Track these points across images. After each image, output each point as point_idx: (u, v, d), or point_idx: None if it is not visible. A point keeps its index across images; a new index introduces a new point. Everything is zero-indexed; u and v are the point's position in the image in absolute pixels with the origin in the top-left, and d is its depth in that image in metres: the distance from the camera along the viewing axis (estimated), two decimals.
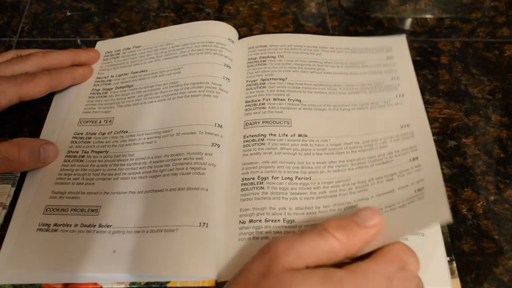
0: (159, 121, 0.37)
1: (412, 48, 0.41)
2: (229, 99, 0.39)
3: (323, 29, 0.48)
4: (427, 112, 0.35)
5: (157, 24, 0.49)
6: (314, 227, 0.26)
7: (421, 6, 0.51)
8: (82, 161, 0.36)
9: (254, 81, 0.40)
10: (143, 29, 0.48)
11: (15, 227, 0.32)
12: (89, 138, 0.37)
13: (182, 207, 0.32)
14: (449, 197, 0.36)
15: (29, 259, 0.31)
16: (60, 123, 0.38)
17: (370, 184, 0.33)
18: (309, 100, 0.38)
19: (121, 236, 0.31)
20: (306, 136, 0.36)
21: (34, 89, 0.36)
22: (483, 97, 0.43)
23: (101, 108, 0.39)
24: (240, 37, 0.44)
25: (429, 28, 0.49)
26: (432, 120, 0.41)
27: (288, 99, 0.38)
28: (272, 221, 0.32)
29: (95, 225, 0.32)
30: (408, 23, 0.49)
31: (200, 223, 0.31)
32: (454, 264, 0.32)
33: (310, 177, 0.34)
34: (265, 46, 0.43)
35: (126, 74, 0.42)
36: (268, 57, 0.42)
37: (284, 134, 0.36)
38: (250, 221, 0.32)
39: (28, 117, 0.40)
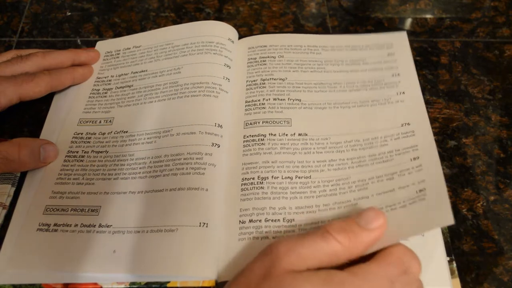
0: (159, 121, 0.37)
1: (412, 48, 0.41)
2: (229, 99, 0.39)
3: (323, 29, 0.48)
4: (427, 112, 0.35)
5: (157, 24, 0.49)
6: (316, 229, 0.26)
7: (421, 6, 0.51)
8: (82, 161, 0.36)
9: (254, 81, 0.40)
10: (143, 29, 0.48)
11: (15, 227, 0.32)
12: (89, 138, 0.37)
13: (182, 207, 0.32)
14: (449, 197, 0.36)
15: (29, 259, 0.30)
16: (60, 123, 0.38)
17: (370, 182, 0.33)
18: (309, 99, 0.38)
19: (121, 236, 0.31)
20: (306, 135, 0.36)
21: (34, 89, 0.36)
22: (483, 97, 0.43)
23: (101, 108, 0.39)
24: (240, 37, 0.44)
25: (429, 28, 0.49)
26: (432, 120, 0.41)
27: (288, 98, 0.38)
28: (272, 220, 0.32)
29: (95, 225, 0.32)
30: (408, 23, 0.49)
31: (200, 223, 0.31)
32: (454, 264, 0.32)
33: (310, 176, 0.34)
34: (265, 46, 0.43)
35: (126, 74, 0.42)
36: (268, 57, 0.42)
37: (284, 134, 0.36)
38: (250, 221, 0.32)
39: (28, 117, 0.40)
